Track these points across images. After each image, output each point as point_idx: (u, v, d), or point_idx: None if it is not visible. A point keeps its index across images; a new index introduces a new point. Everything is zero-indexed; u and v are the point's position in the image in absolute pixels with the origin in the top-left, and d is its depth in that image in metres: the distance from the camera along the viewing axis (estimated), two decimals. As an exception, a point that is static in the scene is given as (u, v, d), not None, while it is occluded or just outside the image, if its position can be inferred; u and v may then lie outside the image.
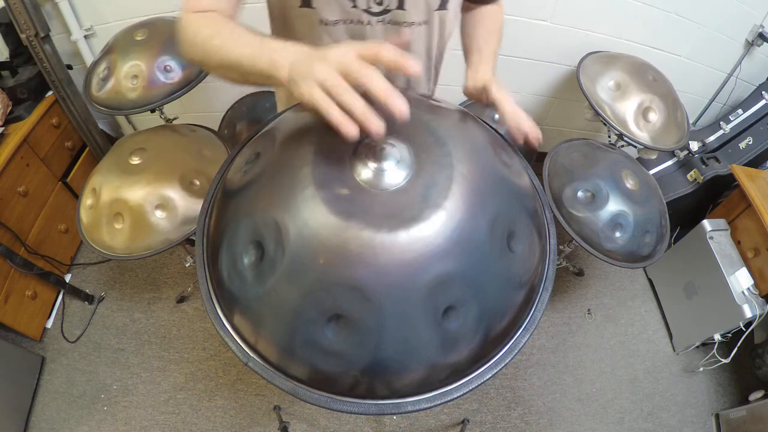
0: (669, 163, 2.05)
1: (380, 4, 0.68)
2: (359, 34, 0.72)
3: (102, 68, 1.48)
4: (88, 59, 1.82)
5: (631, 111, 1.62)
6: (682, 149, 1.94)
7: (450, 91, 1.24)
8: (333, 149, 0.54)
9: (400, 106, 0.45)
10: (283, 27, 0.76)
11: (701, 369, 1.81)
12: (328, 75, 0.46)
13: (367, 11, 0.69)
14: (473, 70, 0.77)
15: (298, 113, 0.69)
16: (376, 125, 0.45)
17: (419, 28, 0.74)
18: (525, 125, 0.67)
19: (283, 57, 0.51)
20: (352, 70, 0.46)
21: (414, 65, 0.47)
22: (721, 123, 1.98)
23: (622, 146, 1.72)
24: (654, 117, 1.63)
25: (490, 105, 0.73)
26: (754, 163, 1.89)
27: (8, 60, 1.69)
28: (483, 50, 0.80)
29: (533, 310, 0.57)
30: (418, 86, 0.89)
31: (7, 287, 1.55)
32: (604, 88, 1.65)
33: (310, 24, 0.70)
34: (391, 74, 0.80)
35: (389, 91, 0.45)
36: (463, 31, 0.86)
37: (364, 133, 0.46)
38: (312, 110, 0.48)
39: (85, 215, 1.34)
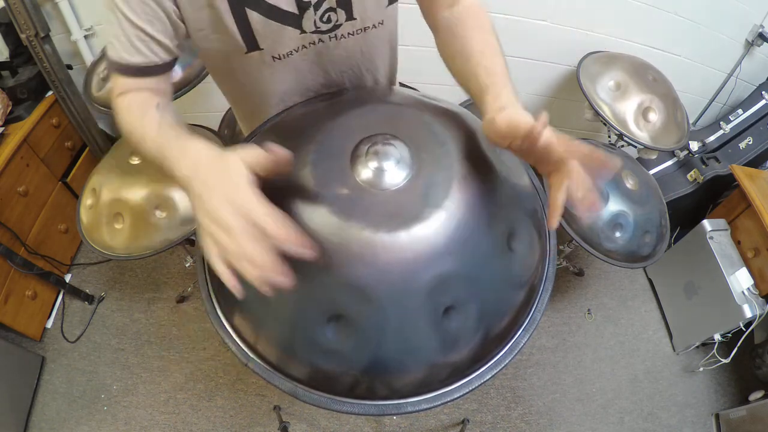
0: (669, 163, 2.05)
1: (328, 21, 0.65)
2: (316, 53, 0.69)
3: (102, 68, 1.48)
4: (88, 59, 1.81)
5: (631, 111, 1.62)
6: (682, 149, 1.94)
7: (450, 91, 1.24)
8: (333, 149, 0.54)
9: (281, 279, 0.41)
10: (226, 76, 0.74)
11: (701, 369, 1.81)
12: (221, 224, 0.42)
13: (317, 32, 0.66)
14: (494, 99, 0.55)
15: (298, 113, 0.69)
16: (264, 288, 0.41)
17: (375, 30, 0.71)
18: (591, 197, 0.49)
19: (177, 173, 0.50)
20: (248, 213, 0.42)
21: (308, 253, 0.42)
22: (721, 123, 1.97)
23: (622, 146, 1.72)
24: (654, 117, 1.63)
25: (538, 152, 0.50)
26: (754, 163, 1.89)
27: (8, 60, 1.69)
28: (491, 69, 0.60)
29: (533, 310, 0.57)
30: (381, 84, 0.83)
31: (7, 287, 1.55)
32: (604, 88, 1.65)
33: (262, 64, 0.67)
34: (361, 79, 0.77)
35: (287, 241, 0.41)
36: (449, 51, 0.67)
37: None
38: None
39: (85, 215, 1.34)
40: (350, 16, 0.66)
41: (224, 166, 0.45)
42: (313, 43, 0.67)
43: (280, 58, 0.67)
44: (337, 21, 0.66)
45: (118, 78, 0.60)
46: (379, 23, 0.71)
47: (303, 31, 0.65)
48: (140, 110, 0.59)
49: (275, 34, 0.63)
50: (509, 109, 0.52)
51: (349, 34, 0.69)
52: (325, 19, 0.65)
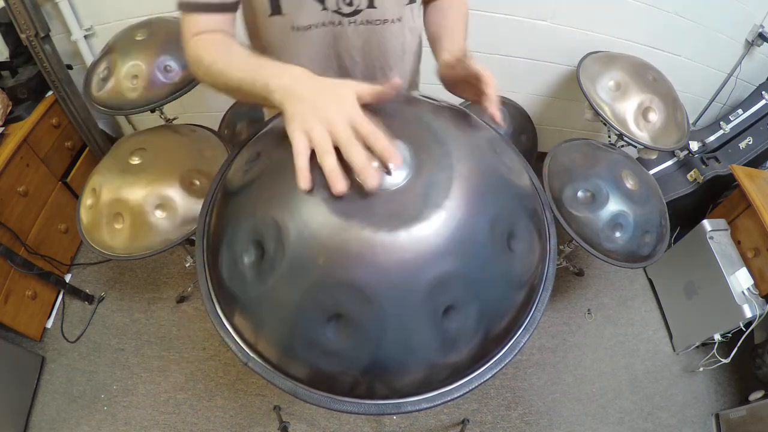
0: (669, 163, 2.05)
1: (350, 4, 0.68)
2: (333, 36, 0.72)
3: (102, 68, 1.48)
4: (88, 59, 1.82)
5: (631, 111, 1.62)
6: (682, 149, 1.94)
7: (450, 91, 1.24)
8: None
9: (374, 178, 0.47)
10: (254, 35, 0.76)
11: (701, 369, 1.81)
12: (335, 122, 0.48)
13: (338, 12, 0.69)
14: (449, 45, 0.73)
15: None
16: (372, 181, 0.46)
17: (393, 26, 0.74)
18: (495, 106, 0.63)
19: (276, 83, 0.53)
20: (358, 124, 0.48)
21: (396, 159, 0.48)
22: (721, 123, 1.98)
23: (622, 146, 1.72)
24: (654, 117, 1.63)
25: (466, 76, 0.65)
26: (754, 163, 1.89)
27: (8, 60, 1.69)
28: (454, 33, 0.76)
29: (533, 310, 0.57)
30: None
31: (7, 287, 1.55)
32: (604, 88, 1.65)
33: (281, 31, 0.70)
34: (374, 76, 0.81)
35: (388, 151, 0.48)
36: (428, 22, 0.83)
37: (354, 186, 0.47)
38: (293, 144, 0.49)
39: (85, 215, 1.34)
40: (371, 4, 0.69)
41: (335, 85, 0.51)
42: (333, 23, 0.70)
43: (299, 30, 0.69)
44: (358, 6, 0.69)
45: (192, 17, 0.64)
46: (397, 19, 0.73)
47: (324, 8, 0.68)
48: (223, 43, 0.63)
49: (298, 3, 0.66)
50: (453, 48, 0.70)
51: (368, 21, 0.71)
52: (347, 1, 0.68)
